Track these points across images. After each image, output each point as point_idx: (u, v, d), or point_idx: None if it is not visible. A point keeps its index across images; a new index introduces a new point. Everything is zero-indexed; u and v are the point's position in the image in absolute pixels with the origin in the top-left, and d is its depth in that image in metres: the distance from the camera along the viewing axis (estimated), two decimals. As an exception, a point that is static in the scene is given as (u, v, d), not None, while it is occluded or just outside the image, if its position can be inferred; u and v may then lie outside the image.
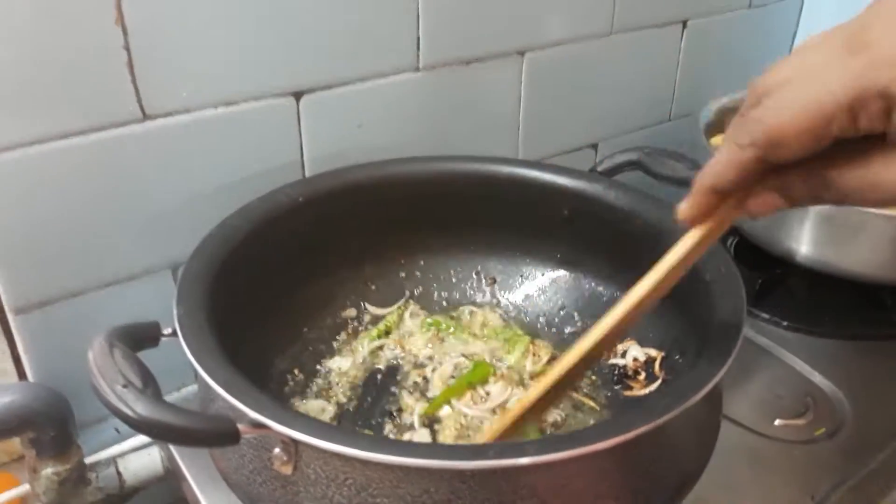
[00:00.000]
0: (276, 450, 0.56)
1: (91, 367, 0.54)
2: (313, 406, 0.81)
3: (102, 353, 0.56)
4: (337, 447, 0.51)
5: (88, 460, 0.87)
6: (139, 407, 0.52)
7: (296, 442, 0.54)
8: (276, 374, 0.83)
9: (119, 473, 0.89)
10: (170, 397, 0.94)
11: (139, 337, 0.62)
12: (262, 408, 0.54)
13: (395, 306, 0.96)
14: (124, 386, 0.53)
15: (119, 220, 0.81)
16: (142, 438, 0.92)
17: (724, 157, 0.46)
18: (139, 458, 0.91)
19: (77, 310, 0.82)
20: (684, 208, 0.52)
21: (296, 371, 0.86)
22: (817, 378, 0.98)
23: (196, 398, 0.72)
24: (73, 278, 0.81)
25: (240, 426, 0.54)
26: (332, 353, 0.90)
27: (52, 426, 0.80)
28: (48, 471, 0.83)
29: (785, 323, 1.08)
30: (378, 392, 0.83)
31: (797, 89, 0.40)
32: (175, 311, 0.65)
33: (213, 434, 0.53)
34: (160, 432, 0.52)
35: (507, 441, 0.53)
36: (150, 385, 0.54)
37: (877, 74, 0.37)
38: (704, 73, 1.37)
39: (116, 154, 0.78)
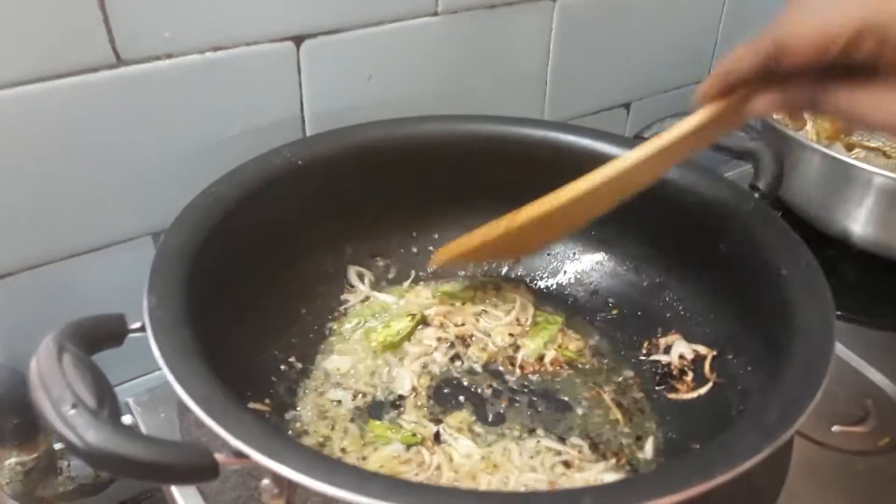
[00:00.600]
0: (265, 481, 0.45)
1: (33, 379, 0.43)
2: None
3: (49, 360, 0.44)
4: (340, 492, 0.40)
5: (59, 447, 0.78)
6: (90, 435, 0.41)
7: (289, 477, 0.43)
8: (268, 367, 0.72)
9: (92, 462, 0.79)
10: (145, 379, 0.84)
11: (99, 335, 0.51)
12: (247, 434, 0.43)
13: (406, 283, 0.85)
14: (73, 406, 0.42)
15: (92, 180, 0.72)
16: (125, 419, 0.82)
17: (741, 51, 0.52)
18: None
19: (43, 281, 0.74)
20: (700, 87, 0.57)
21: (293, 360, 0.75)
22: (877, 377, 0.87)
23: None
24: (38, 246, 0.72)
25: (219, 457, 0.43)
26: (330, 342, 0.79)
27: (14, 412, 0.72)
28: (12, 461, 0.75)
29: (838, 313, 0.96)
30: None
31: (816, 8, 0.47)
32: (145, 302, 0.53)
33: (186, 469, 0.42)
34: (117, 467, 0.41)
35: (557, 490, 0.42)
36: (107, 403, 0.43)
37: (883, 11, 0.44)
38: (749, 26, 1.24)
39: (87, 104, 0.68)
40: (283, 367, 0.75)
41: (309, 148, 0.75)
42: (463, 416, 0.71)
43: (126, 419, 0.81)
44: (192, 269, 0.59)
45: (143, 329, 0.52)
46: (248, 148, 0.74)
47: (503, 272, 0.89)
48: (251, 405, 0.68)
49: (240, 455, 0.43)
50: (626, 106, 1.15)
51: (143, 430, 0.76)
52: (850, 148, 1.06)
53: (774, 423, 0.46)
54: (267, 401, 0.70)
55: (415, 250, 0.87)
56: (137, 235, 0.77)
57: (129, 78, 0.69)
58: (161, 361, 0.48)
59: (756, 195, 0.72)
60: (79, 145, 0.69)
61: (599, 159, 0.78)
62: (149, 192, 0.76)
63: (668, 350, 0.78)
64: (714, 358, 0.74)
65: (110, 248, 0.76)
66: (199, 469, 0.42)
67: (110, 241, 0.76)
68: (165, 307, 0.53)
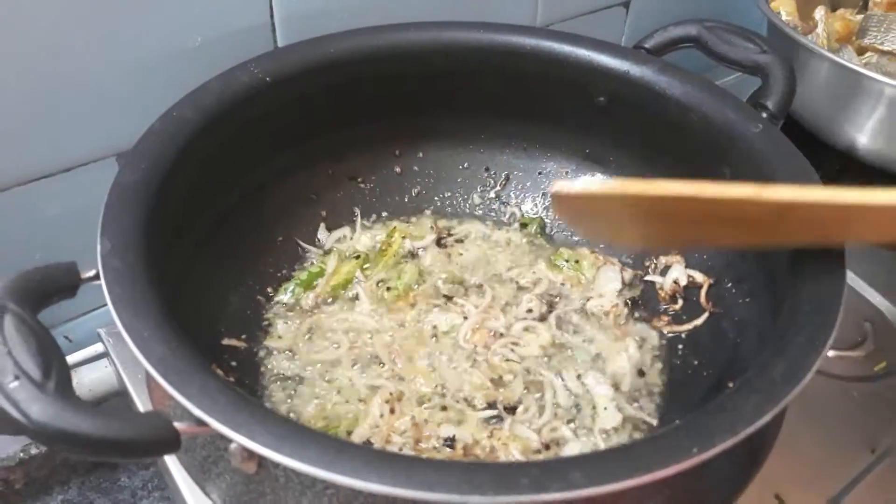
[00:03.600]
0: (234, 444, 0.42)
1: (-31, 347, 0.39)
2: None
3: (-12, 323, 0.40)
4: (311, 469, 0.37)
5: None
6: (35, 410, 0.37)
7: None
8: (243, 299, 0.69)
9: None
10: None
11: (47, 289, 0.46)
12: (209, 403, 0.40)
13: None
14: (16, 378, 0.38)
15: (46, 95, 0.66)
16: (97, 347, 0.80)
17: None
18: (94, 371, 0.79)
19: (4, 208, 0.69)
20: None
21: (269, 291, 0.72)
22: (877, 299, 0.84)
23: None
24: None
25: (180, 426, 0.40)
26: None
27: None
28: None
29: (840, 229, 0.93)
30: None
31: None
32: (98, 248, 0.49)
33: (144, 444, 0.39)
34: (68, 444, 0.37)
35: (545, 461, 0.39)
36: (53, 372, 0.39)
37: None
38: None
39: (36, 10, 0.62)
40: (259, 297, 0.71)
41: (278, 62, 0.68)
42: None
43: (97, 348, 0.78)
44: (151, 205, 0.54)
45: (97, 278, 0.48)
46: (212, 61, 0.68)
47: (491, 195, 0.84)
48: (225, 341, 0.65)
49: (203, 424, 0.40)
50: (626, 4, 1.07)
51: (117, 362, 0.73)
52: (861, 52, 1.00)
53: (780, 380, 0.43)
54: (243, 336, 0.67)
55: (398, 170, 0.81)
56: (102, 156, 0.72)
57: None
58: (116, 319, 0.44)
59: (764, 115, 0.66)
60: (26, 53, 0.64)
61: (598, 74, 0.72)
62: (109, 110, 0.70)
63: (665, 272, 0.74)
64: (710, 286, 0.71)
65: (74, 171, 0.71)
66: (159, 442, 0.39)
67: (70, 164, 0.71)
68: (121, 252, 0.49)
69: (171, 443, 0.39)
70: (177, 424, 0.40)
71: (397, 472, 0.37)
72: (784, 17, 1.00)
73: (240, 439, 0.38)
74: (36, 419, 0.37)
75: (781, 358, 0.45)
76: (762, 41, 0.70)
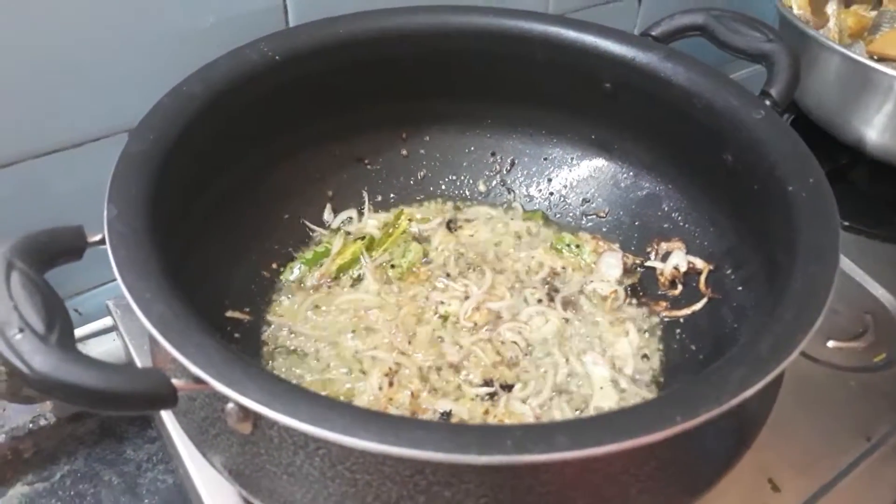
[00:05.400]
0: (230, 405, 0.43)
1: (-24, 300, 0.40)
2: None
3: (-5, 278, 0.41)
4: (302, 425, 0.38)
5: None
6: (37, 361, 0.39)
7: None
8: (247, 274, 0.70)
9: (80, 361, 0.78)
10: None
11: (54, 250, 0.48)
12: (206, 360, 0.41)
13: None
14: (20, 330, 0.39)
15: (58, 72, 0.67)
16: (106, 321, 0.81)
17: None
18: (102, 344, 0.81)
19: (10, 183, 0.70)
20: None
21: (275, 267, 0.73)
22: (879, 292, 0.84)
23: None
24: (2, 145, 0.67)
25: (177, 383, 0.41)
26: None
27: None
28: None
29: (845, 223, 0.93)
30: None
31: None
32: (105, 213, 0.50)
33: (141, 397, 0.40)
34: (67, 394, 0.39)
35: (530, 425, 0.40)
36: (56, 327, 0.40)
37: None
38: None
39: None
40: (264, 272, 0.73)
41: (288, 41, 0.69)
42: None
43: (106, 322, 0.80)
44: (158, 175, 0.55)
45: (104, 242, 0.49)
46: (224, 41, 0.69)
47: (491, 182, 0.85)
48: (230, 314, 0.67)
49: (199, 381, 0.41)
50: (639, -5, 1.07)
51: (125, 335, 0.74)
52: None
53: (766, 355, 0.44)
54: (247, 309, 0.69)
55: (404, 153, 0.82)
56: (113, 133, 0.73)
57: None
58: (120, 280, 0.45)
59: (767, 102, 0.66)
60: (41, 32, 0.65)
61: (605, 60, 0.73)
62: (121, 87, 0.71)
63: (665, 257, 0.75)
64: (710, 273, 0.71)
65: (84, 147, 0.72)
66: (156, 397, 0.40)
67: (84, 139, 0.72)
68: (127, 218, 0.50)
69: (168, 398, 0.41)
70: (174, 381, 0.41)
71: (385, 430, 0.38)
72: (796, 11, 1.00)
73: (233, 395, 0.39)
74: (38, 369, 0.38)
75: (769, 334, 0.45)
76: (769, 30, 0.71)
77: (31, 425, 0.78)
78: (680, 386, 0.43)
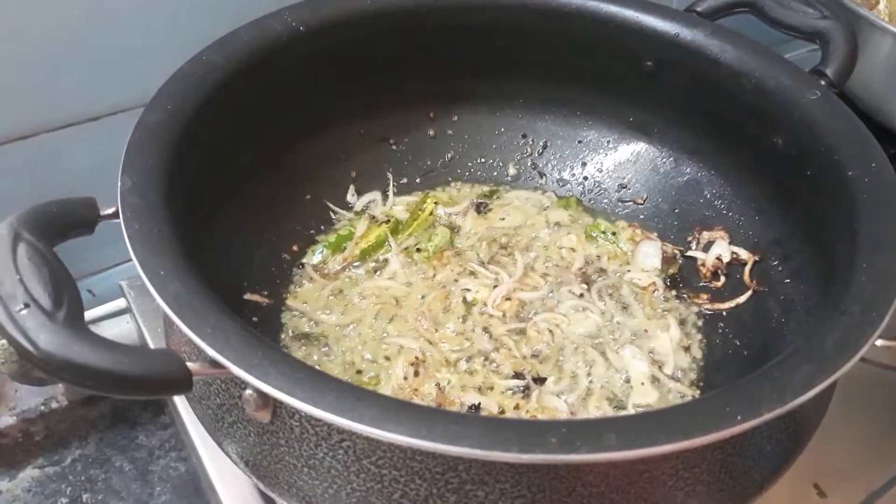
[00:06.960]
0: (249, 391, 0.40)
1: (-21, 272, 0.38)
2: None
3: (1, 251, 0.38)
4: (326, 415, 0.35)
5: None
6: (43, 339, 0.36)
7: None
8: (267, 256, 0.67)
9: (91, 343, 0.76)
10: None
11: (64, 222, 0.45)
12: (224, 343, 0.38)
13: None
14: (25, 305, 0.36)
15: (75, 43, 0.65)
16: (119, 303, 0.79)
17: None
18: (115, 326, 0.79)
19: (25, 157, 0.68)
20: None
21: (295, 249, 0.70)
22: (930, 288, 0.80)
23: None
24: (18, 117, 0.66)
25: (192, 366, 0.38)
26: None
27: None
28: (4, 341, 0.71)
29: None
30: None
31: None
32: (119, 184, 0.47)
33: (153, 380, 0.37)
34: (74, 376, 0.36)
35: (576, 420, 0.36)
36: (65, 303, 0.37)
37: None
38: None
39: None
40: (284, 255, 0.70)
41: (313, 11, 0.66)
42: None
43: (119, 303, 0.77)
44: (176, 147, 0.52)
45: (117, 215, 0.46)
46: (247, 11, 0.66)
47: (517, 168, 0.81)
48: (248, 296, 0.64)
49: (216, 365, 0.38)
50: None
51: (138, 317, 0.72)
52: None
53: (832, 351, 0.40)
54: (266, 292, 0.66)
55: (431, 133, 0.79)
56: (131, 107, 0.71)
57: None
58: (132, 254, 0.42)
59: (823, 82, 0.62)
60: (59, 3, 0.63)
61: (646, 36, 0.69)
62: (139, 60, 0.69)
63: (707, 247, 0.71)
64: (755, 263, 0.67)
65: (101, 120, 0.71)
66: (169, 380, 0.37)
67: (101, 112, 0.71)
68: (142, 190, 0.47)
69: (182, 382, 0.37)
70: (189, 365, 0.38)
71: (418, 423, 0.35)
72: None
73: (252, 381, 0.36)
74: (43, 348, 0.35)
75: (835, 328, 0.42)
76: (823, 6, 0.67)
77: (42, 408, 0.77)
78: (736, 383, 0.39)
